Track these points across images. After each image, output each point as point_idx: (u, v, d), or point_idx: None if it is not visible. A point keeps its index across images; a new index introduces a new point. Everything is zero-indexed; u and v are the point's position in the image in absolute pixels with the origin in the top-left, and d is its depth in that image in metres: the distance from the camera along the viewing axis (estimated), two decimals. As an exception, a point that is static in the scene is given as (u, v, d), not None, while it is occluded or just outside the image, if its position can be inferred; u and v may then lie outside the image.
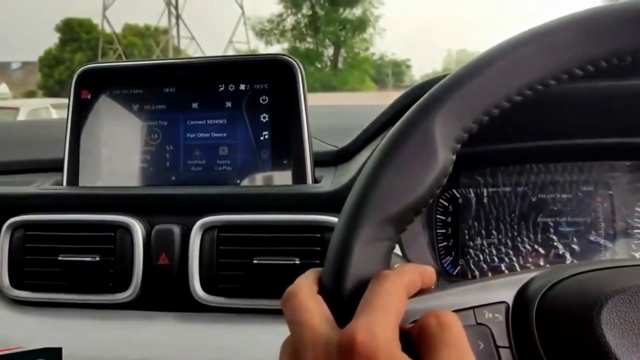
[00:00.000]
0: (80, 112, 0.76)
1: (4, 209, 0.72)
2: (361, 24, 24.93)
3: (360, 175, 0.39)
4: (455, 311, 0.36)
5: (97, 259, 0.68)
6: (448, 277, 0.74)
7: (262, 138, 0.72)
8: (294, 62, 0.71)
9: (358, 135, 0.75)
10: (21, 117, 6.39)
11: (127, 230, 0.68)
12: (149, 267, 0.68)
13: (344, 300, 0.36)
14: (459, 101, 0.39)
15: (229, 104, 0.73)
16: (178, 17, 25.49)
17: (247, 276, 0.66)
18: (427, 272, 0.39)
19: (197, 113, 0.74)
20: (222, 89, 0.73)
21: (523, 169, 0.72)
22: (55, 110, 7.01)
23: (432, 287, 0.40)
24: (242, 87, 0.72)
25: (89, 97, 0.76)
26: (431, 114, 0.39)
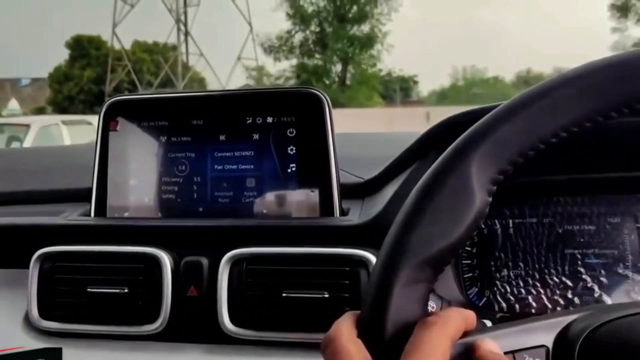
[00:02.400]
0: (109, 143, 0.77)
1: (34, 240, 0.73)
2: (369, 41, 25.06)
3: (397, 217, 0.40)
4: None
5: (126, 290, 0.68)
6: (474, 308, 0.74)
7: (289, 170, 0.72)
8: (321, 95, 0.72)
9: (385, 167, 0.75)
10: (31, 133, 6.40)
11: (155, 262, 0.69)
12: (177, 299, 0.68)
13: (386, 345, 0.36)
14: (495, 144, 0.39)
15: (256, 136, 0.73)
16: (187, 33, 25.73)
17: (276, 309, 0.66)
18: (470, 317, 0.39)
19: (224, 145, 0.74)
20: (250, 121, 0.74)
21: (550, 200, 0.72)
22: (65, 126, 7.04)
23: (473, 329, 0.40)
24: (270, 119, 0.73)
25: (117, 128, 0.77)
26: (468, 156, 0.39)
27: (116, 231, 0.73)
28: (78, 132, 6.98)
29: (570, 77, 0.40)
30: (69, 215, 0.78)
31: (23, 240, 0.76)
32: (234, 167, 0.74)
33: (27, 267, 0.71)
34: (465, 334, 0.38)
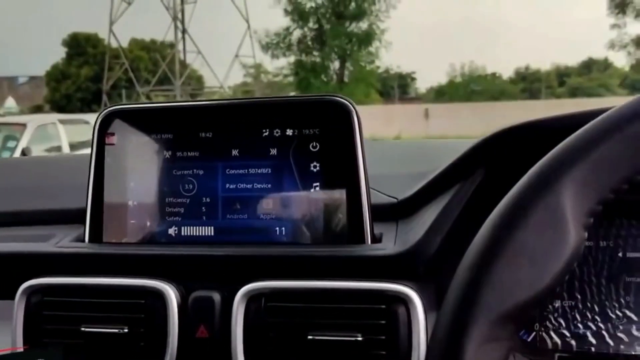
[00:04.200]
0: (105, 159, 0.68)
1: (19, 270, 0.65)
2: (367, 38, 24.90)
3: (463, 261, 0.31)
4: None
5: (126, 330, 0.60)
6: (521, 344, 0.65)
7: (312, 190, 0.63)
8: (349, 104, 0.63)
9: (423, 185, 0.66)
10: (28, 133, 6.35)
11: (159, 297, 0.60)
12: (185, 341, 0.60)
13: None
14: (596, 166, 0.31)
15: (274, 151, 0.64)
16: (184, 31, 25.56)
17: (301, 353, 0.57)
18: None
19: (237, 161, 0.65)
20: (267, 134, 0.64)
21: (611, 222, 0.63)
22: (62, 125, 6.98)
23: None
24: (289, 132, 0.64)
25: (114, 142, 0.68)
26: (561, 182, 0.31)
27: (114, 260, 0.64)
28: (75, 131, 6.95)
29: None
30: (60, 240, 0.69)
31: (7, 270, 0.67)
32: (249, 186, 0.65)
33: (13, 297, 0.62)
34: None
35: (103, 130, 0.68)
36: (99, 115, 0.68)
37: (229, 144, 0.65)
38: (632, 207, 0.61)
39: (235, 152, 0.65)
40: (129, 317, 0.60)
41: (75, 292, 0.62)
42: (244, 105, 0.66)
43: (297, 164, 0.64)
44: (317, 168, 0.63)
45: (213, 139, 0.66)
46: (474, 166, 0.60)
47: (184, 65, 26.42)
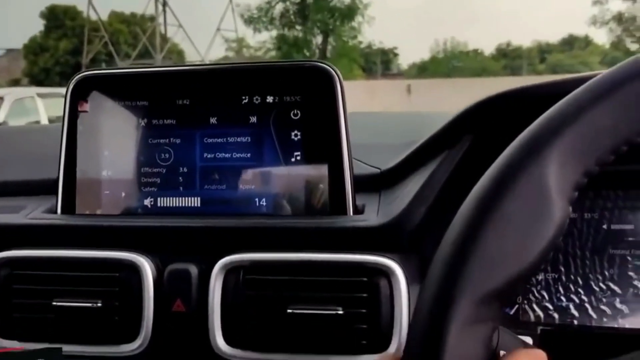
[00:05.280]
0: (77, 127, 0.65)
1: (-12, 242, 0.62)
2: (350, 12, 24.73)
3: (447, 234, 0.30)
4: None
5: (99, 304, 0.58)
6: (504, 317, 0.64)
7: (293, 159, 0.61)
8: (332, 70, 0.60)
9: (406, 155, 0.64)
10: (5, 106, 6.23)
11: (134, 270, 0.58)
12: (160, 315, 0.58)
13: None
14: (582, 136, 0.30)
15: (253, 119, 0.62)
16: (165, 4, 25.11)
17: (280, 327, 0.56)
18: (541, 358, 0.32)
19: (215, 129, 0.63)
20: (246, 101, 0.62)
21: (596, 194, 0.62)
22: (40, 99, 6.85)
23: None
24: (270, 99, 0.62)
25: (87, 109, 0.65)
26: (545, 152, 0.30)
27: (87, 232, 0.62)
28: (54, 104, 6.83)
29: None
30: (31, 212, 0.66)
31: (-25, 242, 0.64)
32: (227, 155, 0.62)
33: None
34: None
35: (75, 97, 0.65)
36: (71, 81, 0.65)
37: (207, 111, 0.63)
38: (617, 178, 0.60)
39: (213, 120, 0.63)
40: (103, 291, 0.58)
41: (47, 265, 0.60)
42: (222, 71, 0.64)
43: (278, 133, 0.61)
44: (299, 137, 0.61)
45: (190, 106, 0.63)
46: (460, 134, 0.59)
47: (164, 39, 26.03)
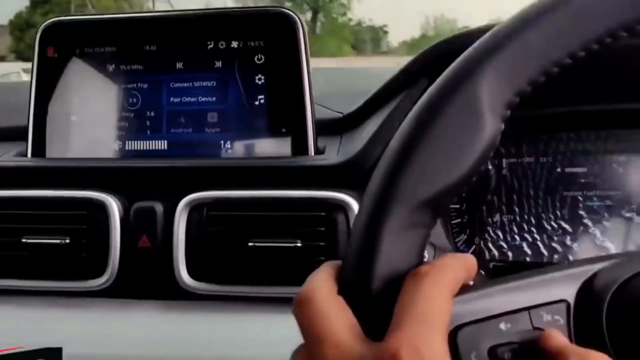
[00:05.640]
0: (47, 73, 0.66)
1: (-41, 184, 0.63)
2: (339, -12, 24.56)
3: (388, 149, 0.32)
4: (508, 313, 0.29)
5: (68, 241, 0.60)
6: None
7: (257, 103, 0.63)
8: (295, 16, 0.62)
9: (366, 100, 0.66)
10: (-10, 81, 6.15)
11: (102, 208, 0.60)
12: (127, 251, 0.60)
13: (374, 305, 0.29)
14: (511, 57, 0.31)
15: (218, 64, 0.63)
16: (153, -15, 24.90)
17: (241, 261, 0.58)
18: (469, 263, 0.32)
19: (181, 74, 0.64)
20: (211, 46, 0.63)
21: (550, 136, 0.64)
22: (26, 75, 6.77)
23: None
24: (234, 44, 0.63)
25: (56, 55, 0.66)
26: (477, 73, 0.31)
27: (56, 173, 0.63)
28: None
29: None
30: (2, 155, 0.67)
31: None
32: (193, 99, 0.64)
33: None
34: (465, 287, 0.31)
35: (44, 43, 0.66)
36: (39, 27, 0.67)
37: (174, 56, 0.64)
38: (569, 119, 0.63)
39: (179, 65, 0.64)
40: (71, 229, 0.60)
41: (17, 204, 0.61)
42: (188, 17, 0.65)
43: (242, 77, 0.63)
44: (262, 81, 0.63)
45: (157, 51, 0.65)
46: (416, 76, 0.60)
47: (153, 19, 25.70)
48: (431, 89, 0.32)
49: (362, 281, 0.29)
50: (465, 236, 0.68)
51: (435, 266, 0.29)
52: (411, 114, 0.32)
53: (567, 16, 0.31)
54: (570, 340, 0.29)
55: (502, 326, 0.29)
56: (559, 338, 0.28)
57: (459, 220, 0.68)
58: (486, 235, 0.66)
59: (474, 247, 0.67)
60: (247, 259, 0.57)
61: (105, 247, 0.59)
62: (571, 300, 0.30)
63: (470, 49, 0.33)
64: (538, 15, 0.32)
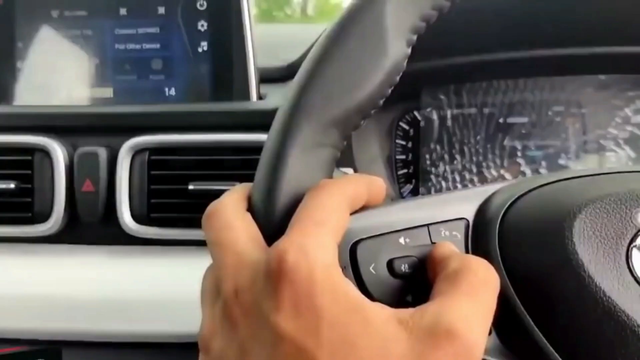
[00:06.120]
0: (-8, 21, 0.66)
1: None
2: (331, -35, 24.32)
3: (299, 71, 0.32)
4: (408, 229, 0.30)
5: (12, 186, 0.60)
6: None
7: (200, 49, 0.63)
8: (236, -38, 0.62)
9: (308, 48, 0.67)
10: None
11: (46, 153, 0.60)
12: (72, 196, 0.60)
13: (276, 217, 0.30)
14: None
15: (162, 10, 0.64)
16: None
17: (182, 204, 0.59)
18: (376, 184, 0.32)
19: (125, 20, 0.64)
20: (154, -8, 0.64)
21: (490, 86, 0.66)
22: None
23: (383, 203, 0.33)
24: (177, -10, 0.63)
25: (2, 3, 0.66)
26: None
27: (2, 119, 0.63)
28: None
29: None
30: (-51, 104, 0.67)
31: None
32: (138, 46, 0.64)
33: None
34: (372, 205, 0.31)
35: (-12, -10, 0.66)
36: (-18, -27, 0.66)
37: (117, 2, 0.64)
38: (505, 65, 0.63)
39: (123, 12, 0.64)
40: (17, 174, 0.60)
41: (-40, 149, 0.62)
42: (131, -37, 0.65)
43: (185, 23, 0.63)
44: (205, 27, 0.63)
45: (102, -3, 0.65)
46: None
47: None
48: (342, 12, 0.33)
49: (267, 197, 0.30)
50: (411, 186, 0.69)
51: (335, 180, 0.30)
52: (320, 39, 0.33)
53: None
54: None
55: (402, 241, 0.30)
56: (447, 247, 0.29)
57: (405, 171, 0.69)
58: (430, 184, 0.68)
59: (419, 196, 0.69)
60: (187, 202, 0.58)
61: (50, 192, 0.60)
62: (470, 218, 0.31)
63: None
64: None
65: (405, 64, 0.32)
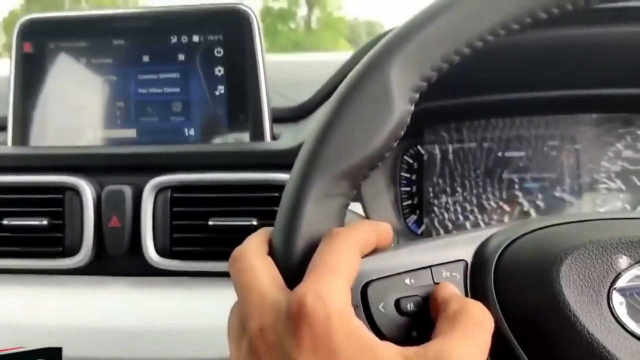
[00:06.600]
0: (24, 67, 0.71)
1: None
2: (335, -18, 24.51)
3: (314, 128, 0.36)
4: (412, 271, 0.34)
5: (45, 222, 0.65)
6: (412, 236, 0.72)
7: (217, 93, 0.68)
8: (250, 12, 0.67)
9: (318, 90, 0.71)
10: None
11: (76, 192, 0.65)
12: (100, 231, 0.65)
13: (294, 262, 0.33)
14: (416, 47, 0.36)
15: (181, 57, 0.69)
16: (146, -25, 24.75)
17: (203, 238, 0.63)
18: (383, 230, 0.36)
19: (148, 67, 0.69)
20: (174, 40, 0.69)
21: (488, 123, 0.70)
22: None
23: (390, 246, 0.37)
24: (196, 38, 0.68)
25: (32, 50, 0.71)
26: (386, 62, 0.36)
27: (34, 160, 0.68)
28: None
29: None
30: (-15, 144, 0.72)
31: None
32: (159, 90, 0.69)
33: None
34: (380, 249, 0.35)
35: (21, 39, 0.71)
36: (17, 24, 0.71)
37: (140, 50, 0.69)
38: (502, 106, 0.68)
39: (146, 59, 0.69)
40: (49, 211, 0.65)
41: (-2, 189, 0.66)
42: (153, 14, 0.70)
43: (203, 69, 0.68)
44: (222, 72, 0.68)
45: (125, 46, 0.69)
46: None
47: (146, 10, 25.59)
48: (350, 75, 0.37)
49: (286, 243, 0.34)
50: (416, 216, 0.73)
51: (347, 228, 0.34)
52: (332, 98, 0.37)
53: (462, 13, 0.36)
54: (466, 294, 0.34)
55: (407, 281, 0.33)
56: (448, 288, 0.33)
57: (409, 202, 0.74)
58: (433, 215, 0.72)
59: (423, 227, 0.73)
60: (208, 236, 0.63)
61: (80, 228, 0.64)
62: (469, 260, 0.35)
63: (382, 41, 0.38)
64: (437, 12, 0.37)
65: (408, 119, 0.36)
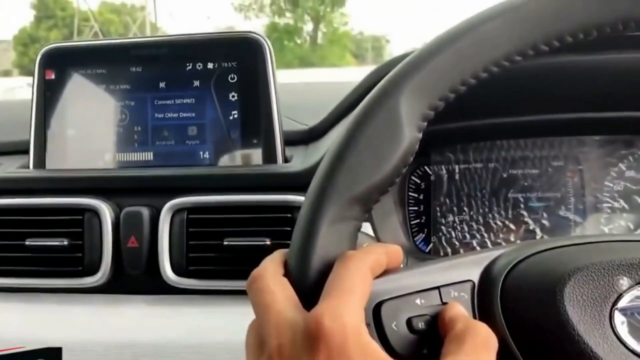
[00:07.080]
0: (45, 93, 0.74)
1: (-33, 193, 0.71)
2: (340, -2, 24.75)
3: (326, 154, 0.39)
4: (422, 291, 0.35)
5: (65, 243, 0.67)
6: (420, 254, 0.74)
7: (231, 117, 0.71)
8: (263, 40, 0.70)
9: (329, 113, 0.74)
10: (-3, 97, 6.25)
11: (95, 213, 0.67)
12: (118, 251, 0.67)
13: (310, 283, 0.35)
14: (424, 79, 0.38)
15: (197, 83, 0.71)
16: (155, -7, 25.05)
17: (218, 258, 0.65)
18: (394, 251, 0.38)
19: (164, 93, 0.72)
20: (190, 67, 0.71)
21: (494, 145, 0.72)
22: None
23: (400, 266, 0.39)
24: (210, 65, 0.71)
25: (54, 77, 0.74)
26: (396, 92, 0.38)
27: (55, 183, 0.71)
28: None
29: (501, 9, 0.38)
30: (7, 167, 0.75)
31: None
32: (175, 115, 0.72)
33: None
34: (391, 270, 0.37)
35: (43, 66, 0.74)
36: (39, 52, 0.75)
37: (157, 77, 0.72)
38: (508, 128, 0.70)
39: (162, 85, 0.72)
40: (69, 232, 0.67)
41: (21, 211, 0.69)
42: (169, 42, 0.73)
43: (218, 95, 0.71)
44: (235, 98, 0.71)
45: (143, 72, 0.72)
46: (368, 92, 0.68)
47: (155, 28, 25.90)
48: (361, 105, 0.39)
49: (301, 265, 0.36)
50: (424, 235, 0.75)
51: (359, 251, 0.36)
52: (345, 126, 0.39)
53: (469, 43, 0.38)
54: (474, 314, 0.36)
55: (418, 301, 0.35)
56: (455, 308, 0.35)
57: (417, 221, 0.75)
58: (440, 234, 0.74)
59: (430, 245, 0.75)
60: (223, 256, 0.65)
61: (99, 248, 0.67)
62: (476, 280, 0.36)
63: (392, 72, 0.40)
64: (445, 43, 0.39)
65: (417, 146, 0.38)
